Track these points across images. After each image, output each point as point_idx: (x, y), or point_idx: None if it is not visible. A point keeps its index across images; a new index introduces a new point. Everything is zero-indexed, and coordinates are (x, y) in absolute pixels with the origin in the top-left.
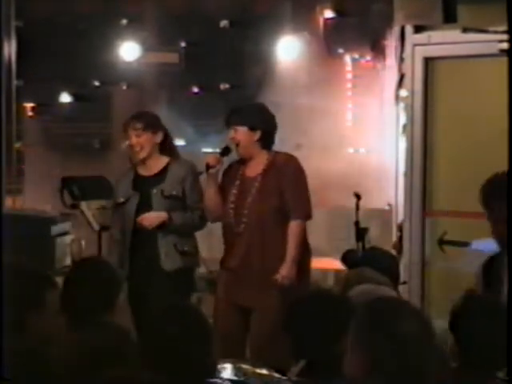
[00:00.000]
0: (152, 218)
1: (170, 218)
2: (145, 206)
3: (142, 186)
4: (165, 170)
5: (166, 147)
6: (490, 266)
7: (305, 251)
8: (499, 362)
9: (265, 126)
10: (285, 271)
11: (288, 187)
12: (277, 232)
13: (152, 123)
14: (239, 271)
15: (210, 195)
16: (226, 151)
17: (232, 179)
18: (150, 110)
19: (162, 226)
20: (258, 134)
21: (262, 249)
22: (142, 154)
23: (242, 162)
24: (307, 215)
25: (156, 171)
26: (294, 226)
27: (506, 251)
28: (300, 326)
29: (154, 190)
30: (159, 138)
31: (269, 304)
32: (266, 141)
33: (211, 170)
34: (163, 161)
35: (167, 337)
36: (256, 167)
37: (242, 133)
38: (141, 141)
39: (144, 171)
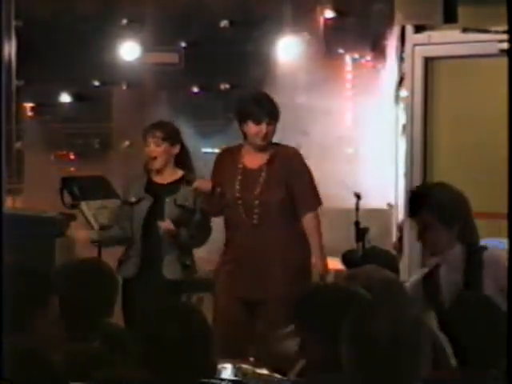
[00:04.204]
0: (168, 225)
1: (179, 234)
2: (156, 211)
3: (155, 191)
4: (180, 181)
5: (182, 160)
6: (430, 276)
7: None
8: (491, 361)
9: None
10: (320, 263)
11: (296, 181)
12: (287, 222)
13: (171, 135)
14: (254, 262)
15: (212, 207)
16: None
17: (231, 171)
18: (170, 122)
19: (170, 237)
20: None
21: (277, 239)
22: (158, 164)
23: (238, 150)
24: (320, 204)
25: (170, 181)
26: (310, 219)
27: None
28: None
29: (167, 199)
30: (176, 150)
31: (282, 295)
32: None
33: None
34: (178, 173)
35: (166, 337)
36: (258, 158)
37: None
38: (159, 150)
39: (158, 179)
